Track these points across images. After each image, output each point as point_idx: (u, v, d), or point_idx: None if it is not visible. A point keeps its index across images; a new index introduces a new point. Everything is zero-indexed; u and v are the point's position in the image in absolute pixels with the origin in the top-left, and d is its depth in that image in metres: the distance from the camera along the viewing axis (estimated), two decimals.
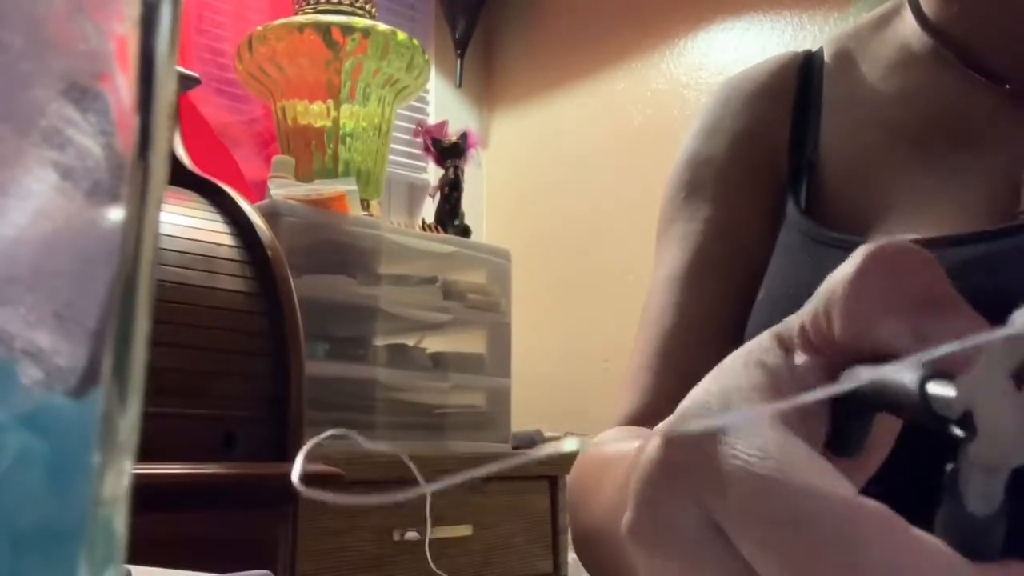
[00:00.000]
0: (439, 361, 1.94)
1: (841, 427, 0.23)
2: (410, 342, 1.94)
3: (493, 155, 2.89)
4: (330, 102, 1.95)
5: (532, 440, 2.03)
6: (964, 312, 0.22)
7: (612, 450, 0.46)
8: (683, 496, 0.22)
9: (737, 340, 0.51)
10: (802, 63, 0.61)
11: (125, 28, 0.17)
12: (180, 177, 1.46)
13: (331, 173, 1.94)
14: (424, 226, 2.17)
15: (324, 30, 1.90)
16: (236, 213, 1.37)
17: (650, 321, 0.59)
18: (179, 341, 1.17)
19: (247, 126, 2.30)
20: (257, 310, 1.27)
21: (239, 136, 2.28)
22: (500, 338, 2.03)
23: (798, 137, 0.58)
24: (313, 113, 1.96)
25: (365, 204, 1.92)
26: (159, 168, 0.17)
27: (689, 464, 0.22)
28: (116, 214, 0.17)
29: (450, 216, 2.18)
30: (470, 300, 1.97)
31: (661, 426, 0.23)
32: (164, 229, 0.76)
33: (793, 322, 0.24)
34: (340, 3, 1.97)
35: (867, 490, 0.20)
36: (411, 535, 1.66)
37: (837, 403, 0.22)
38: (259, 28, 1.96)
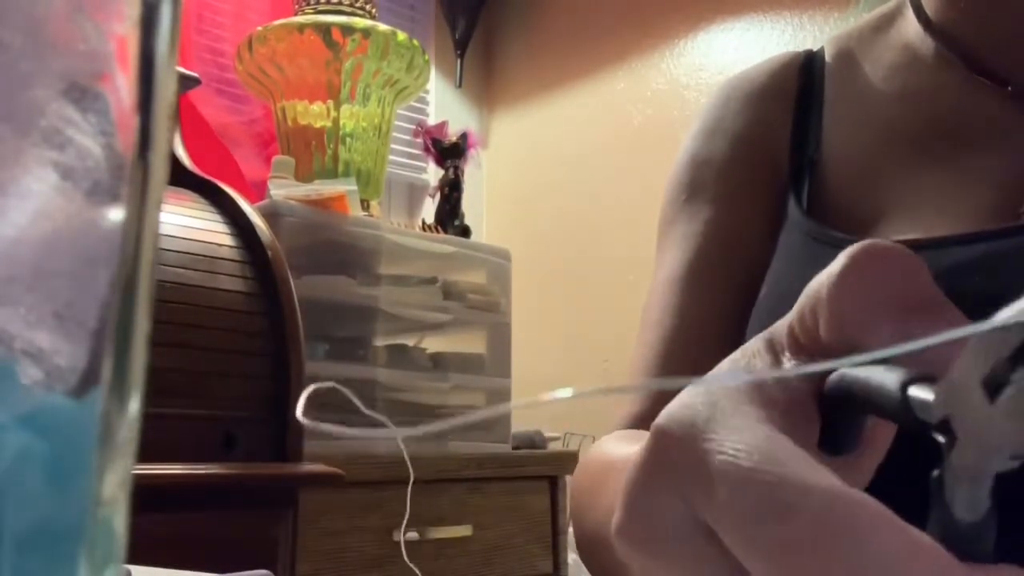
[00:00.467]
0: (439, 361, 1.94)
1: (833, 427, 0.23)
2: (410, 342, 1.94)
3: (493, 155, 2.89)
4: (330, 102, 1.95)
5: (532, 440, 2.03)
6: (950, 314, 0.22)
7: (614, 453, 0.46)
8: (671, 494, 0.22)
9: (738, 341, 0.51)
10: (803, 63, 0.61)
11: (125, 28, 0.17)
12: (180, 177, 1.46)
13: (331, 173, 1.94)
14: (424, 226, 2.17)
15: (324, 30, 1.90)
16: (236, 213, 1.37)
17: (651, 323, 0.59)
18: (179, 341, 1.17)
19: (247, 126, 2.30)
20: (257, 310, 1.27)
21: (239, 136, 2.28)
22: (500, 338, 2.03)
23: (799, 137, 0.58)
24: (313, 113, 1.96)
25: (365, 204, 1.92)
26: (159, 168, 0.17)
27: (676, 462, 0.22)
28: (116, 214, 0.17)
29: (450, 216, 2.18)
30: (470, 300, 1.97)
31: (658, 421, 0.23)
32: (164, 229, 0.76)
33: (781, 326, 0.24)
34: (340, 3, 1.97)
35: (869, 492, 0.20)
36: (411, 535, 1.66)
37: (827, 403, 0.22)
38: (259, 28, 1.96)
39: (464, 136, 2.22)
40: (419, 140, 2.27)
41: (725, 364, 0.24)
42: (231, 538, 1.14)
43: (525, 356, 2.20)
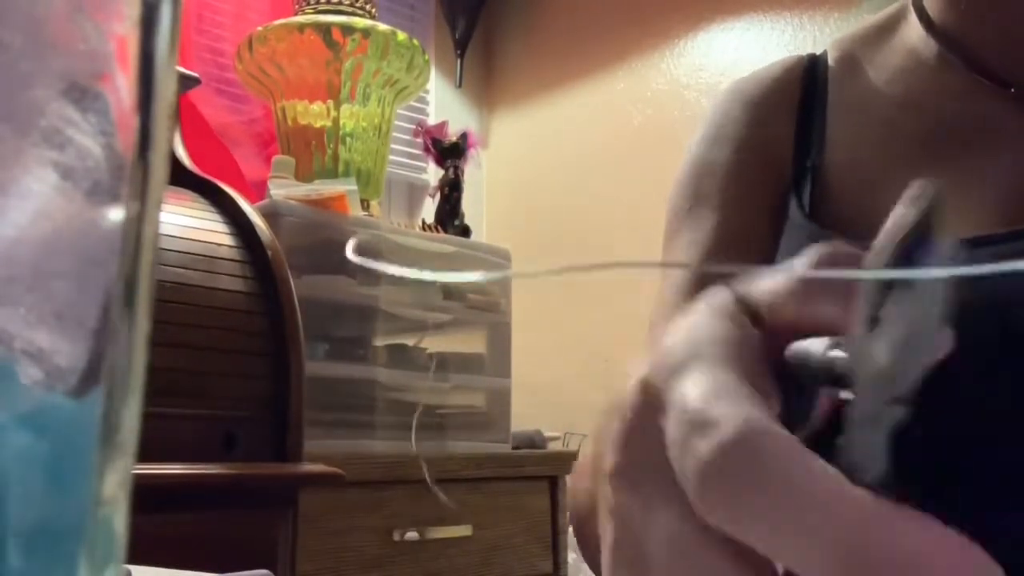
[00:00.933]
0: (439, 361, 1.95)
1: (788, 403, 0.23)
2: (410, 342, 1.95)
3: (493, 155, 2.89)
4: (330, 102, 1.95)
5: (532, 440, 2.03)
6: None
7: None
8: (655, 436, 0.23)
9: None
10: (806, 67, 0.61)
11: (125, 28, 0.17)
12: (180, 177, 1.46)
13: (331, 173, 1.94)
14: (424, 226, 2.17)
15: (324, 30, 1.90)
16: (236, 213, 1.37)
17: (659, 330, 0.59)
18: (179, 341, 1.17)
19: (247, 126, 2.30)
20: (257, 310, 1.27)
21: (239, 136, 2.28)
22: (500, 338, 2.03)
23: (802, 141, 0.58)
24: (313, 113, 1.96)
25: (365, 204, 1.92)
26: (159, 168, 0.17)
27: (655, 405, 0.23)
28: (116, 214, 0.17)
29: (450, 216, 2.18)
30: (470, 300, 1.97)
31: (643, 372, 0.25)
32: (164, 229, 0.76)
33: (752, 292, 0.25)
34: (340, 3, 1.97)
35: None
36: (411, 535, 1.66)
37: (783, 380, 0.23)
38: (259, 28, 1.96)
39: (464, 136, 2.22)
40: (419, 140, 2.27)
41: (703, 313, 0.25)
42: (231, 538, 1.14)
43: (525, 356, 2.20)
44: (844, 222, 0.53)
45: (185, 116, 1.85)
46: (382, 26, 1.95)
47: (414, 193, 2.76)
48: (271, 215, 1.53)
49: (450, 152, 2.20)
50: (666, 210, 0.64)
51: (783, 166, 0.58)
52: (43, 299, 0.16)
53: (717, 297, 0.26)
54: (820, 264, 0.23)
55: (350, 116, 1.96)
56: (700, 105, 2.34)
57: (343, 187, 1.80)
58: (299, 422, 1.25)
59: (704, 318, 0.25)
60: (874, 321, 0.18)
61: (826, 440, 0.21)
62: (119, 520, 0.17)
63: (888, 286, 0.18)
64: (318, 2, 1.97)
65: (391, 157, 2.21)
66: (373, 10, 2.02)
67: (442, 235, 2.08)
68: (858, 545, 0.17)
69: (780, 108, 0.60)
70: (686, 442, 0.20)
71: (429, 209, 2.34)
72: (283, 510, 1.22)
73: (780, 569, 0.21)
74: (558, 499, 1.90)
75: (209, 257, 1.26)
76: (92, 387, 0.16)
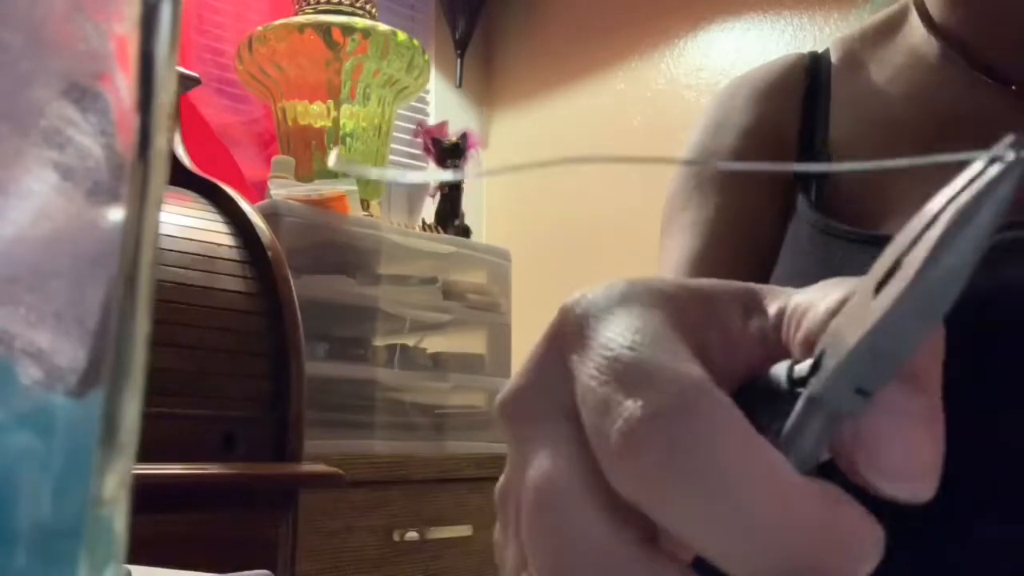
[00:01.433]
0: (439, 361, 1.95)
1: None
2: (410, 342, 1.94)
3: (493, 155, 2.89)
4: (330, 102, 1.95)
5: None
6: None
7: None
8: (558, 370, 0.21)
9: None
10: (809, 64, 0.62)
11: (125, 28, 0.17)
12: (180, 177, 1.46)
13: (331, 173, 1.94)
14: (424, 226, 2.17)
15: (324, 30, 1.90)
16: (236, 213, 1.37)
17: None
18: (179, 341, 1.17)
19: (247, 126, 2.30)
20: (257, 310, 1.27)
21: (239, 136, 2.28)
22: (500, 338, 2.03)
23: (807, 133, 0.59)
24: (313, 113, 1.96)
25: (365, 204, 1.92)
26: (159, 168, 0.17)
27: (568, 338, 0.21)
28: (116, 214, 0.17)
29: (450, 216, 2.18)
30: (470, 300, 1.97)
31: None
32: (164, 229, 0.76)
33: (770, 293, 0.23)
34: (340, 3, 1.97)
35: None
36: (411, 535, 1.66)
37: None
38: (259, 28, 1.96)
39: (464, 136, 2.22)
40: (419, 140, 2.27)
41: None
42: (231, 538, 1.14)
43: (525, 356, 2.19)
44: (848, 212, 0.54)
45: (185, 116, 1.85)
46: (382, 26, 1.95)
47: (414, 193, 2.76)
48: (271, 215, 1.53)
49: (450, 152, 2.20)
50: (667, 194, 0.64)
51: (787, 154, 0.59)
52: (43, 299, 0.16)
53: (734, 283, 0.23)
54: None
55: (350, 116, 1.96)
56: (700, 105, 2.34)
57: (343, 187, 1.80)
58: (299, 422, 1.25)
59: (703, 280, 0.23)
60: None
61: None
62: (119, 520, 0.17)
63: (890, 272, 0.17)
64: (318, 2, 1.97)
65: (391, 157, 2.21)
66: (373, 10, 2.02)
67: (442, 235, 2.08)
68: (785, 532, 0.16)
69: (784, 100, 0.61)
70: (610, 396, 0.18)
71: (429, 209, 2.34)
72: (283, 510, 1.22)
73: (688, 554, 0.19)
74: None
75: (209, 257, 1.26)
76: (92, 387, 0.16)
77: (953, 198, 0.16)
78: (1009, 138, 0.16)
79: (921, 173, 0.53)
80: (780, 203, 0.58)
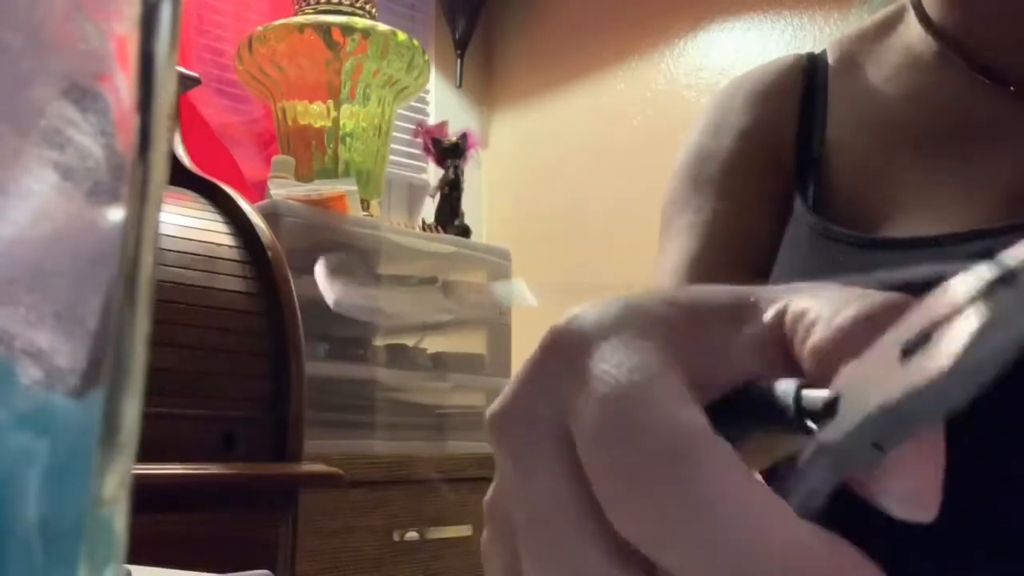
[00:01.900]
0: (439, 361, 1.94)
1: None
2: (410, 342, 1.95)
3: (493, 155, 2.89)
4: (330, 102, 1.95)
5: None
6: None
7: None
8: (549, 396, 0.21)
9: None
10: (806, 65, 0.62)
11: (125, 28, 0.17)
12: (180, 177, 1.46)
13: (331, 173, 1.94)
14: (424, 226, 2.17)
15: (324, 30, 1.90)
16: (236, 213, 1.37)
17: None
18: (179, 341, 1.17)
19: (247, 126, 2.30)
20: (257, 310, 1.27)
21: (239, 136, 2.28)
22: (500, 338, 2.03)
23: (804, 135, 0.59)
24: (313, 113, 1.96)
25: (365, 204, 1.92)
26: (159, 168, 0.17)
27: (562, 362, 0.21)
28: (116, 214, 0.17)
29: (450, 216, 2.18)
30: (470, 300, 1.97)
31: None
32: (164, 229, 0.76)
33: (764, 297, 0.23)
34: (340, 3, 1.97)
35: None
36: (411, 535, 1.66)
37: (715, 417, 0.21)
38: (259, 28, 1.96)
39: (464, 136, 2.22)
40: (419, 140, 2.27)
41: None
42: (231, 538, 1.14)
43: (525, 356, 2.19)
44: (846, 214, 0.54)
45: (185, 116, 1.85)
46: (382, 26, 1.95)
47: (414, 193, 2.76)
48: (271, 215, 1.53)
49: (450, 152, 2.20)
50: (664, 197, 0.64)
51: (784, 158, 0.59)
52: (43, 299, 0.16)
53: (742, 290, 0.23)
54: (877, 314, 0.21)
55: (350, 116, 1.96)
56: (700, 105, 2.34)
57: (343, 187, 1.80)
58: (299, 422, 1.25)
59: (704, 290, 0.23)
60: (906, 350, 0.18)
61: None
62: (119, 520, 0.17)
63: (921, 339, 0.17)
64: (318, 2, 1.97)
65: (391, 157, 2.21)
66: (373, 10, 2.02)
67: (442, 235, 2.08)
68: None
69: (781, 102, 0.61)
70: (610, 440, 0.19)
71: (429, 209, 2.34)
72: (283, 510, 1.22)
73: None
74: None
75: (209, 257, 1.26)
76: (92, 387, 0.16)
77: (995, 281, 0.16)
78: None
79: (916, 177, 0.53)
80: (777, 205, 0.58)
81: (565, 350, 0.22)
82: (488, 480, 0.24)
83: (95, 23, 0.16)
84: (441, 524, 1.71)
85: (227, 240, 1.32)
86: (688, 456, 0.18)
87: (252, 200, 1.50)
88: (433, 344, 1.99)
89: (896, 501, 0.18)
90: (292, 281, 1.31)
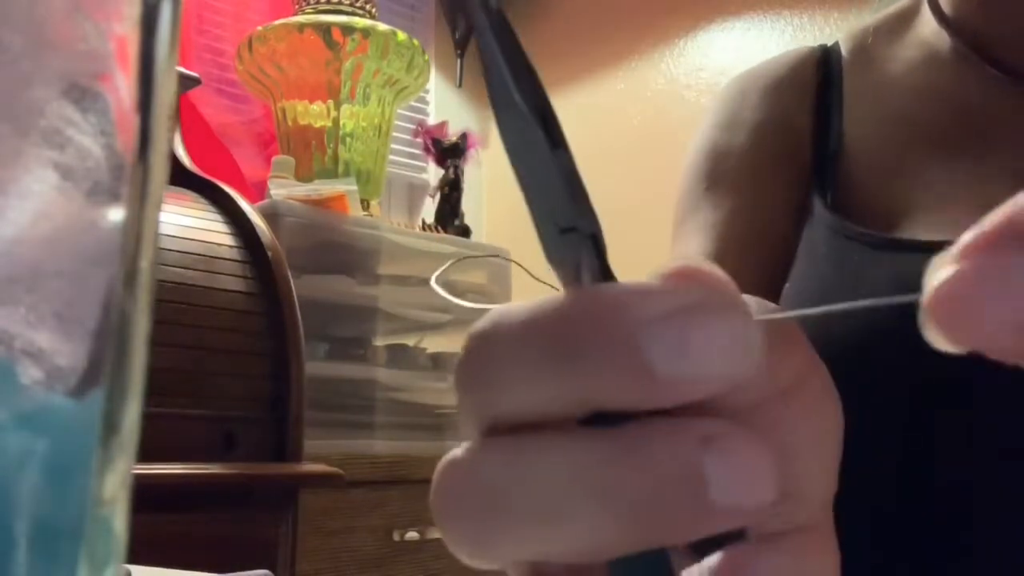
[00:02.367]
0: (439, 361, 1.94)
1: None
2: (410, 342, 1.94)
3: (493, 155, 2.89)
4: (330, 102, 1.95)
5: None
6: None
7: None
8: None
9: None
10: (820, 57, 0.61)
11: (125, 28, 0.17)
12: (180, 177, 1.46)
13: (331, 173, 1.94)
14: (424, 226, 2.17)
15: (324, 30, 1.90)
16: (236, 213, 1.37)
17: None
18: (179, 341, 1.17)
19: (247, 126, 2.30)
20: (257, 310, 1.27)
21: (239, 136, 2.28)
22: None
23: (821, 129, 0.58)
24: (313, 113, 1.96)
25: (365, 204, 1.92)
26: (159, 168, 0.17)
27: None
28: (116, 214, 0.17)
29: (450, 216, 2.18)
30: (470, 300, 1.97)
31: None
32: (164, 229, 0.76)
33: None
34: (340, 3, 1.97)
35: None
36: (411, 535, 1.66)
37: None
38: (259, 28, 1.96)
39: (464, 136, 2.22)
40: (419, 140, 2.27)
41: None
42: (231, 538, 1.14)
43: None
44: (866, 214, 0.53)
45: (185, 116, 1.85)
46: (382, 26, 1.95)
47: (414, 193, 2.76)
48: (271, 215, 1.53)
49: (450, 152, 2.20)
50: (679, 194, 0.63)
51: (801, 152, 0.58)
52: (43, 299, 0.16)
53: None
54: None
55: (350, 116, 1.96)
56: (700, 105, 2.34)
57: (343, 187, 1.80)
58: (299, 422, 1.25)
59: None
60: None
61: None
62: (119, 520, 0.17)
63: None
64: (318, 2, 1.97)
65: (391, 157, 2.21)
66: (373, 10, 2.02)
67: (442, 235, 2.08)
68: None
69: (796, 95, 0.60)
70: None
71: (429, 209, 2.34)
72: (283, 510, 1.22)
73: None
74: None
75: (209, 257, 1.26)
76: (92, 387, 0.16)
77: None
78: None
79: (934, 174, 0.52)
80: (794, 201, 0.57)
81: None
82: None
83: (95, 23, 0.16)
84: None
85: (227, 240, 1.32)
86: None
87: (252, 200, 1.50)
88: (433, 344, 1.99)
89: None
90: (292, 281, 1.31)
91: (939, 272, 0.17)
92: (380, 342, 1.86)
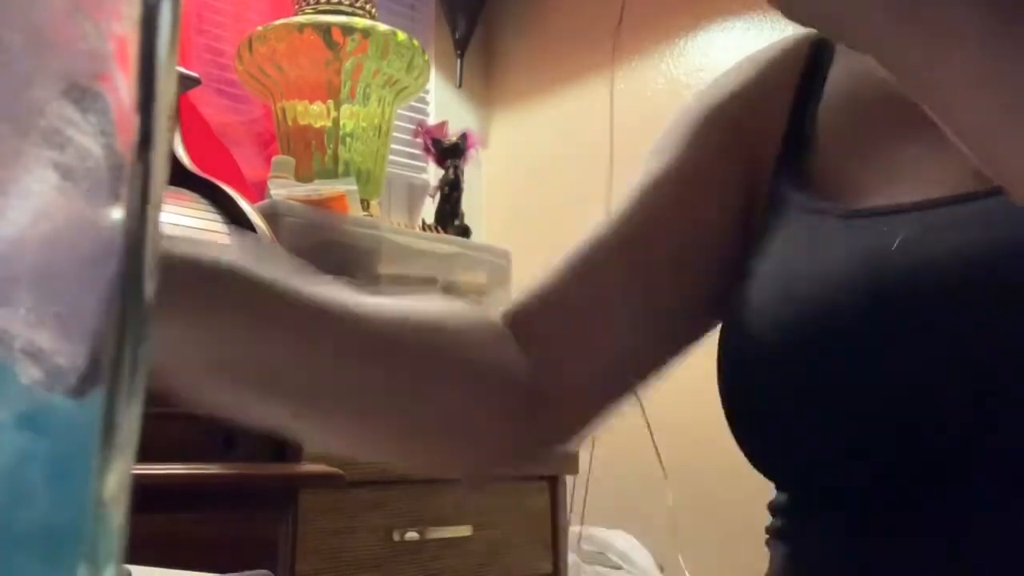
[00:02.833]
0: None
1: None
2: None
3: (493, 155, 2.89)
4: (330, 102, 1.95)
5: None
6: None
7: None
8: None
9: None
10: (815, 41, 0.63)
11: (125, 28, 0.17)
12: (180, 177, 1.46)
13: (331, 173, 1.93)
14: (424, 226, 2.17)
15: (324, 30, 1.90)
16: (236, 213, 1.37)
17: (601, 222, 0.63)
18: None
19: (247, 126, 2.30)
20: None
21: (239, 136, 2.28)
22: None
23: (800, 101, 0.60)
24: (313, 113, 1.96)
25: (365, 204, 1.92)
26: (159, 168, 0.17)
27: None
28: (116, 214, 0.17)
29: (450, 216, 2.18)
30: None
31: None
32: (164, 229, 0.76)
33: None
34: (340, 3, 1.97)
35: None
36: (411, 535, 1.66)
37: None
38: (259, 28, 1.96)
39: (464, 136, 2.22)
40: (419, 140, 2.27)
41: None
42: (231, 538, 1.14)
43: None
44: (829, 185, 0.55)
45: (185, 116, 1.85)
46: (382, 26, 1.95)
47: (414, 193, 2.76)
48: (271, 215, 1.53)
49: (450, 152, 2.20)
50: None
51: (777, 117, 0.60)
52: (43, 299, 0.16)
53: None
54: None
55: (350, 116, 1.96)
56: None
57: (343, 187, 1.80)
58: None
59: None
60: None
61: None
62: (119, 520, 0.17)
63: None
64: (318, 2, 1.97)
65: (391, 157, 2.21)
66: (373, 10, 2.02)
67: (442, 235, 2.08)
68: None
69: (782, 73, 0.62)
70: None
71: (429, 209, 2.34)
72: (283, 510, 1.22)
73: None
74: (558, 499, 1.90)
75: None
76: (92, 387, 0.16)
77: None
78: None
79: (899, 144, 0.54)
80: (742, 167, 0.60)
81: None
82: None
83: (95, 23, 0.16)
84: (441, 524, 1.71)
85: (227, 240, 1.32)
86: None
87: (252, 200, 1.50)
88: None
89: None
90: None
91: None
92: None
